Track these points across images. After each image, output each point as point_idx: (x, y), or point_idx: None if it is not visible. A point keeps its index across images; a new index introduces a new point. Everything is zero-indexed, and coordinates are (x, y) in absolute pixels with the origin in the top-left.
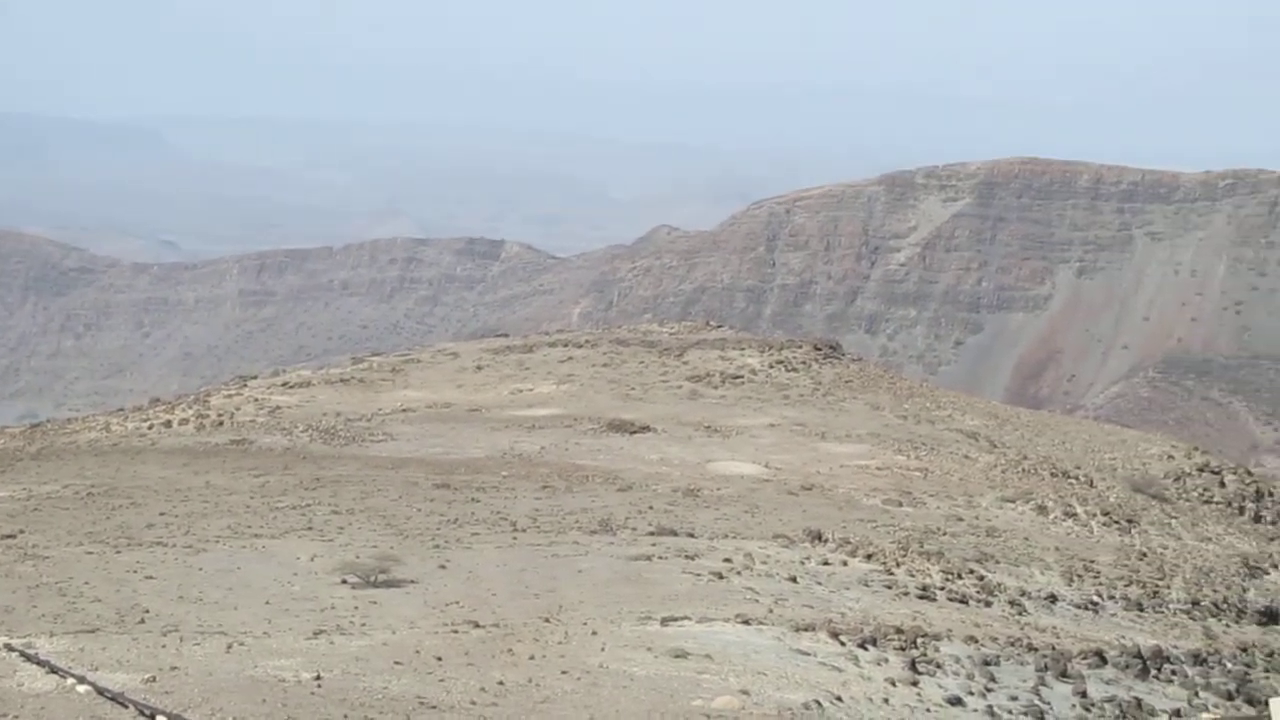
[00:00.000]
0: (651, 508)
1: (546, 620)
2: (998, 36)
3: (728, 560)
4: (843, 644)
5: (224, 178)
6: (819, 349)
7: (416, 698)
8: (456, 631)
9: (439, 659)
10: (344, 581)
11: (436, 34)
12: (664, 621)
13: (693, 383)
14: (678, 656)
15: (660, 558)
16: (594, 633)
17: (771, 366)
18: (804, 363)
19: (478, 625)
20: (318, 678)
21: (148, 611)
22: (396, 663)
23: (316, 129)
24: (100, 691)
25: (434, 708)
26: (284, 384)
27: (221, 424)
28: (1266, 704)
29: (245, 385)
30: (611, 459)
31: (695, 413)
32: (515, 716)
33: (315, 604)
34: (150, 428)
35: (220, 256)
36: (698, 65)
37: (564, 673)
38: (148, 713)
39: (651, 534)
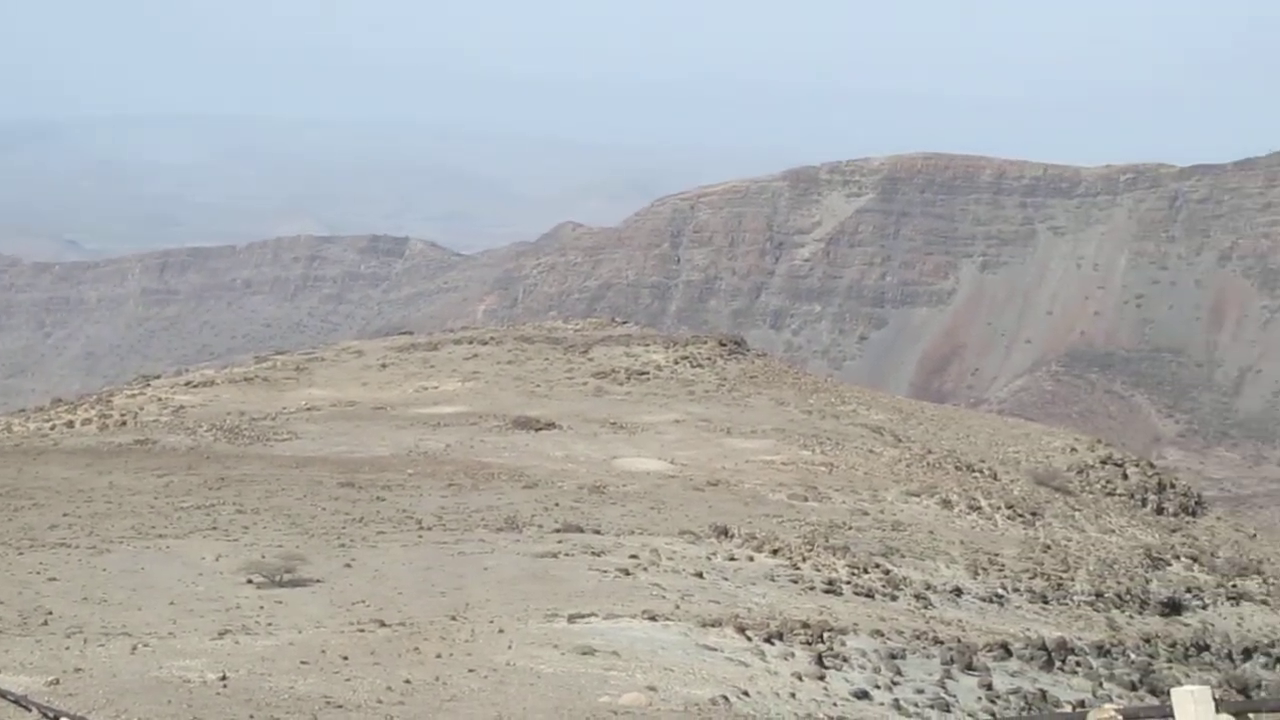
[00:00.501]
0: (557, 505)
1: (453, 618)
2: (902, 33)
3: (634, 557)
4: (749, 639)
5: (126, 176)
6: (724, 345)
7: (323, 697)
8: (363, 630)
9: (345, 658)
10: (249, 581)
11: (339, 29)
12: (571, 619)
13: (598, 379)
14: (585, 653)
15: (566, 555)
16: (501, 630)
17: (677, 363)
18: (709, 359)
19: (384, 624)
20: (223, 678)
21: (51, 613)
22: (303, 662)
23: (218, 125)
24: (3, 694)
25: (340, 707)
26: (187, 383)
27: (124, 424)
28: (1169, 694)
29: (148, 385)
30: (517, 456)
31: (601, 409)
32: (422, 715)
33: (220, 604)
34: (52, 428)
35: (123, 255)
36: (602, 60)
37: (471, 671)
38: (51, 715)
39: (558, 531)
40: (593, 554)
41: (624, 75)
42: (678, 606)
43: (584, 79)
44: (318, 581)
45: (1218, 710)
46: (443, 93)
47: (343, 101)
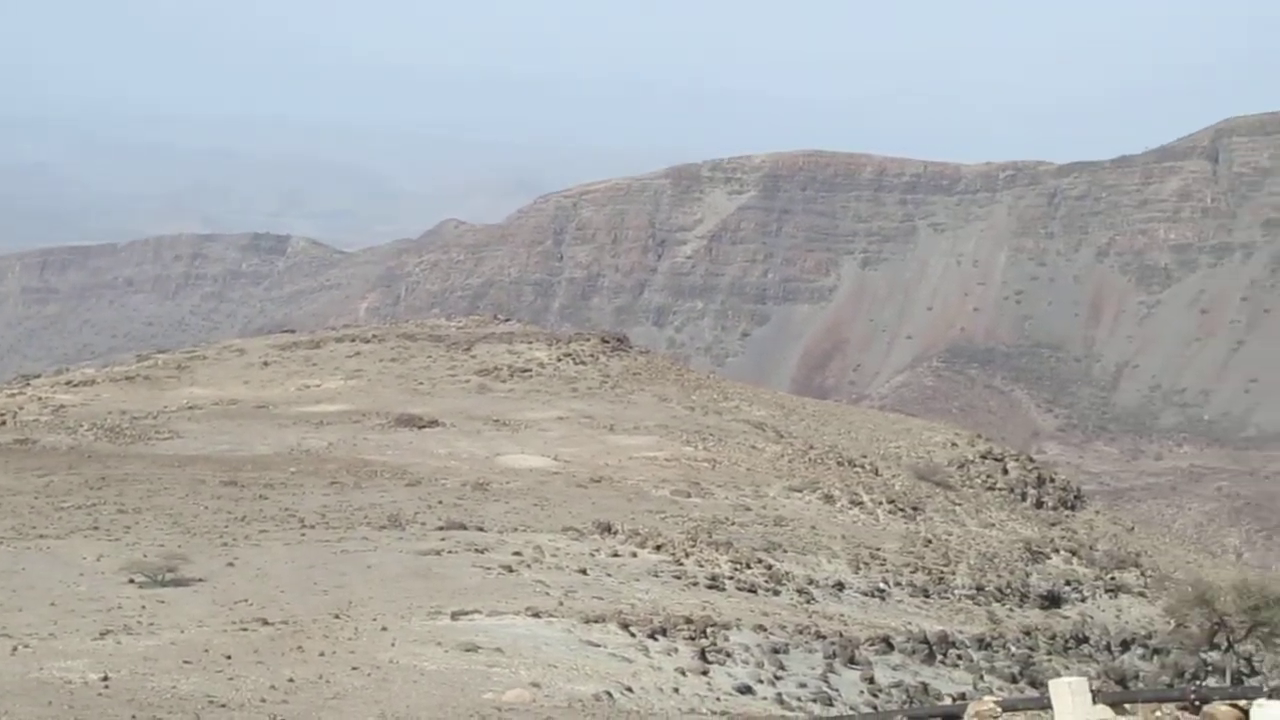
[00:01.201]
0: (441, 502)
1: (336, 617)
2: (783, 33)
3: (518, 553)
4: (633, 635)
5: (4, 175)
6: (607, 342)
7: (206, 696)
8: (246, 629)
9: (228, 657)
10: (131, 581)
11: (223, 22)
12: (454, 616)
13: (481, 377)
14: (468, 650)
15: (450, 552)
16: (384, 628)
17: (560, 360)
18: (592, 355)
19: (267, 623)
20: (105, 679)
21: None
22: (185, 662)
23: (99, 122)
24: None
25: (224, 706)
26: (68, 382)
27: (4, 423)
28: (1048, 685)
29: (28, 384)
30: (400, 454)
31: (484, 407)
32: (306, 714)
33: (102, 604)
34: None
35: (2, 254)
36: (485, 56)
37: (354, 669)
38: None
39: (441, 529)
40: (476, 551)
41: (506, 72)
42: (561, 603)
43: (468, 76)
44: (200, 581)
45: (1095, 701)
46: (324, 88)
47: (223, 98)
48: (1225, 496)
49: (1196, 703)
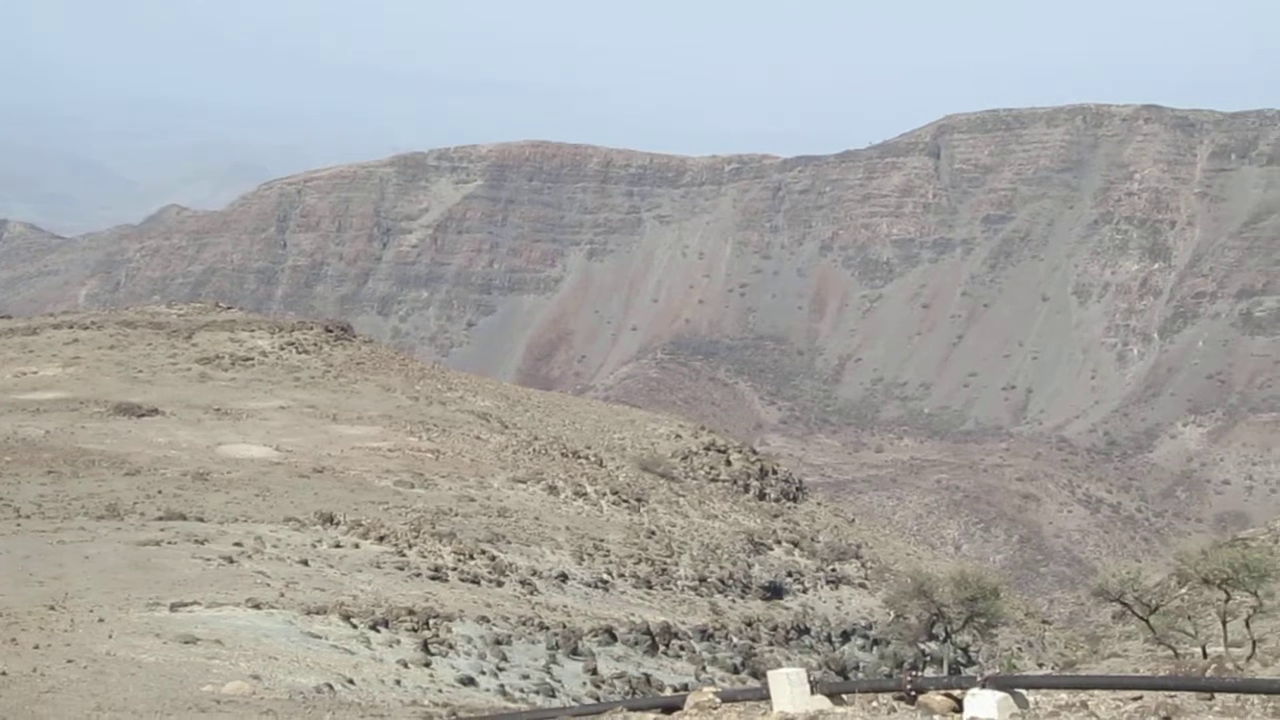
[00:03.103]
0: (160, 492)
1: (52, 608)
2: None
3: (238, 544)
4: (355, 626)
5: None
6: (330, 331)
7: None
8: None
9: None
10: None
11: None
12: (173, 607)
13: (202, 365)
14: (187, 642)
15: (170, 543)
16: (101, 620)
17: (283, 348)
18: (315, 345)
19: None
20: None
21: None
22: None
23: None
24: None
25: None
26: None
27: None
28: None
29: None
30: (119, 443)
31: (205, 395)
32: (19, 707)
33: None
34: None
35: None
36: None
37: (70, 661)
38: None
39: (160, 519)
40: (196, 542)
41: (230, 56)
42: (282, 594)
43: (192, 59)
44: None
45: (812, 692)
46: (42, 72)
47: None
48: (944, 489)
49: (912, 692)
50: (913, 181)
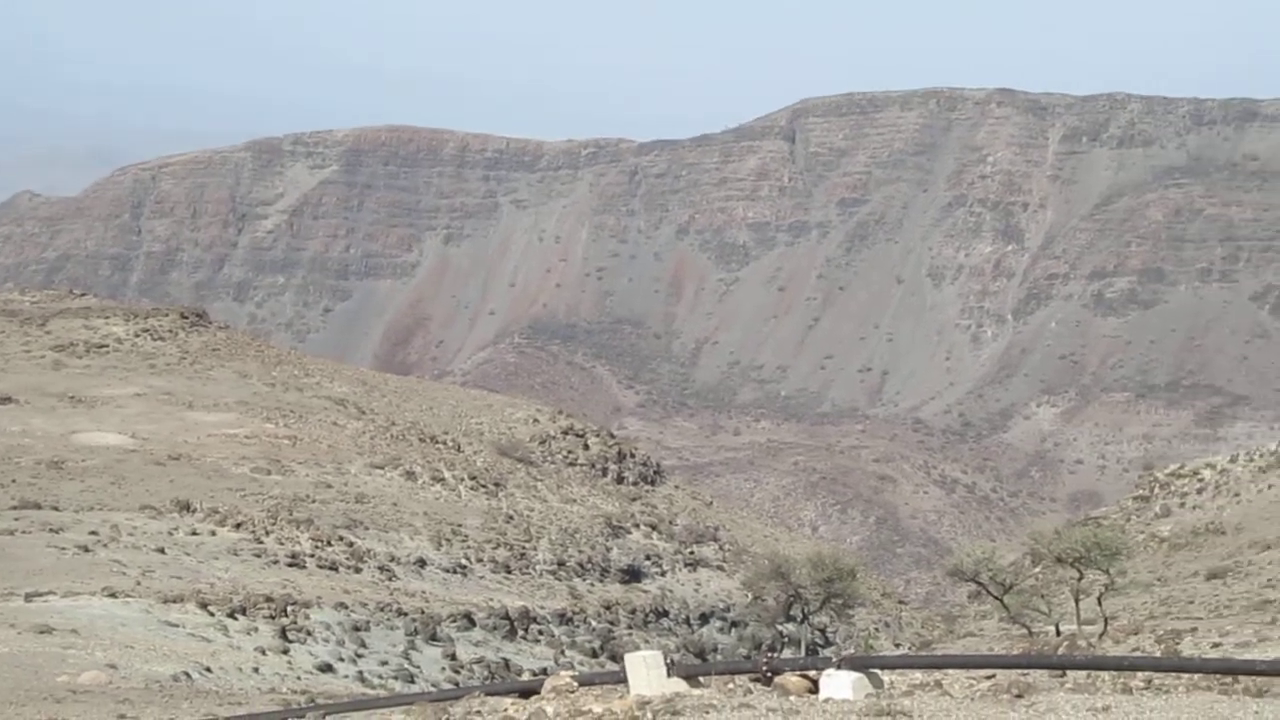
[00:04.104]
0: (14, 481)
1: None
2: (356, 4)
3: (94, 533)
4: (212, 614)
5: None
6: (186, 317)
7: None
8: None
9: None
10: None
11: None
12: (28, 597)
13: (56, 352)
14: (42, 632)
15: (24, 532)
16: None
17: (138, 335)
18: (171, 331)
19: None
20: None
21: None
22: None
23: None
24: None
25: None
26: None
27: None
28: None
29: None
30: None
31: (59, 383)
32: None
33: None
34: None
35: None
36: (58, 23)
37: None
38: None
39: (14, 508)
40: (51, 531)
41: (82, 39)
42: (139, 583)
43: (44, 39)
44: None
45: (669, 674)
46: None
47: None
48: (801, 471)
49: (769, 674)
50: (768, 165)
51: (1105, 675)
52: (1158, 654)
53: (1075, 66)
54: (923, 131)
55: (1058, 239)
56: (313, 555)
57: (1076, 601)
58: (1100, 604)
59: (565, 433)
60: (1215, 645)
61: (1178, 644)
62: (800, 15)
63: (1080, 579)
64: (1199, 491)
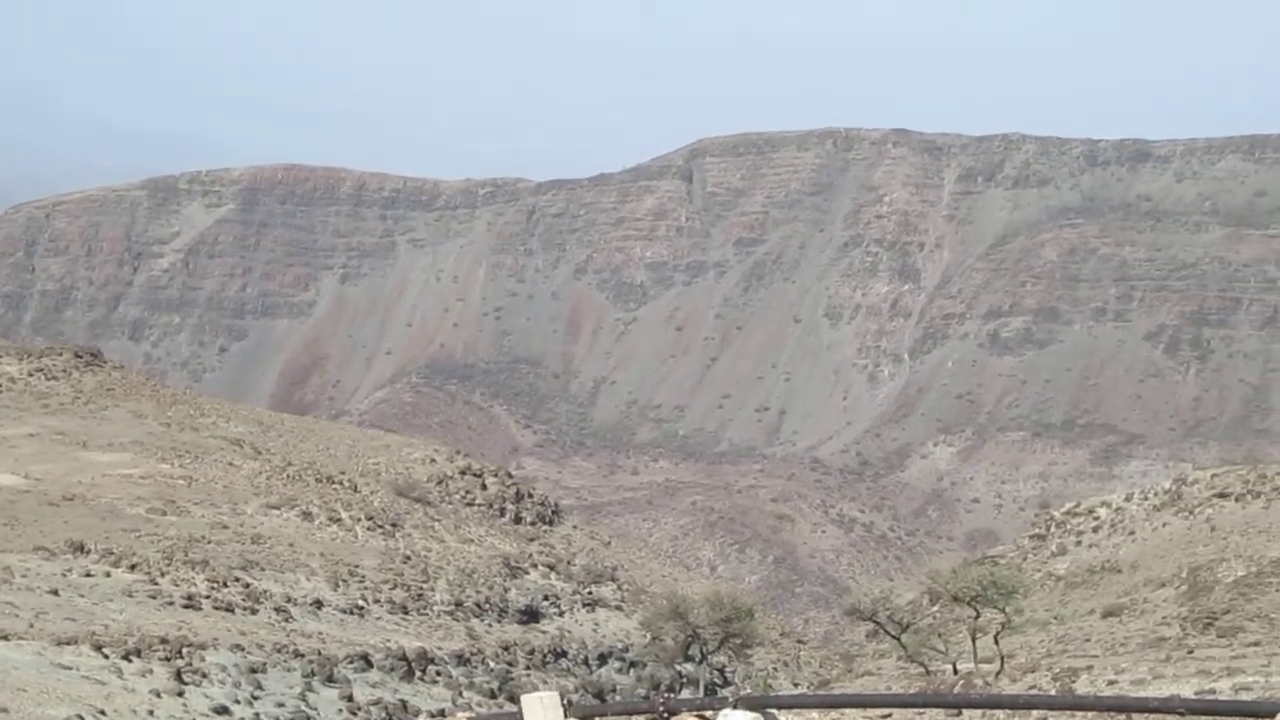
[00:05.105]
0: None
1: None
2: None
3: None
4: (106, 656)
5: None
6: (80, 357)
7: None
8: None
9: None
10: None
11: None
12: None
13: None
14: None
15: None
16: None
17: (31, 375)
18: (65, 371)
19: None
20: None
21: None
22: None
23: None
24: None
25: None
26: None
27: None
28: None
29: None
30: None
31: None
32: None
33: None
34: None
35: None
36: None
37: None
38: None
39: None
40: None
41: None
42: (31, 625)
43: None
44: None
45: (566, 715)
46: None
47: None
48: (699, 510)
49: (665, 714)
50: (666, 205)
51: (1000, 714)
52: (1053, 692)
53: (970, 108)
54: (819, 171)
55: (954, 279)
56: (208, 596)
57: (974, 640)
58: (997, 642)
59: (463, 473)
60: (1111, 683)
61: (1073, 682)
62: (697, 56)
63: (977, 617)
64: (1095, 530)
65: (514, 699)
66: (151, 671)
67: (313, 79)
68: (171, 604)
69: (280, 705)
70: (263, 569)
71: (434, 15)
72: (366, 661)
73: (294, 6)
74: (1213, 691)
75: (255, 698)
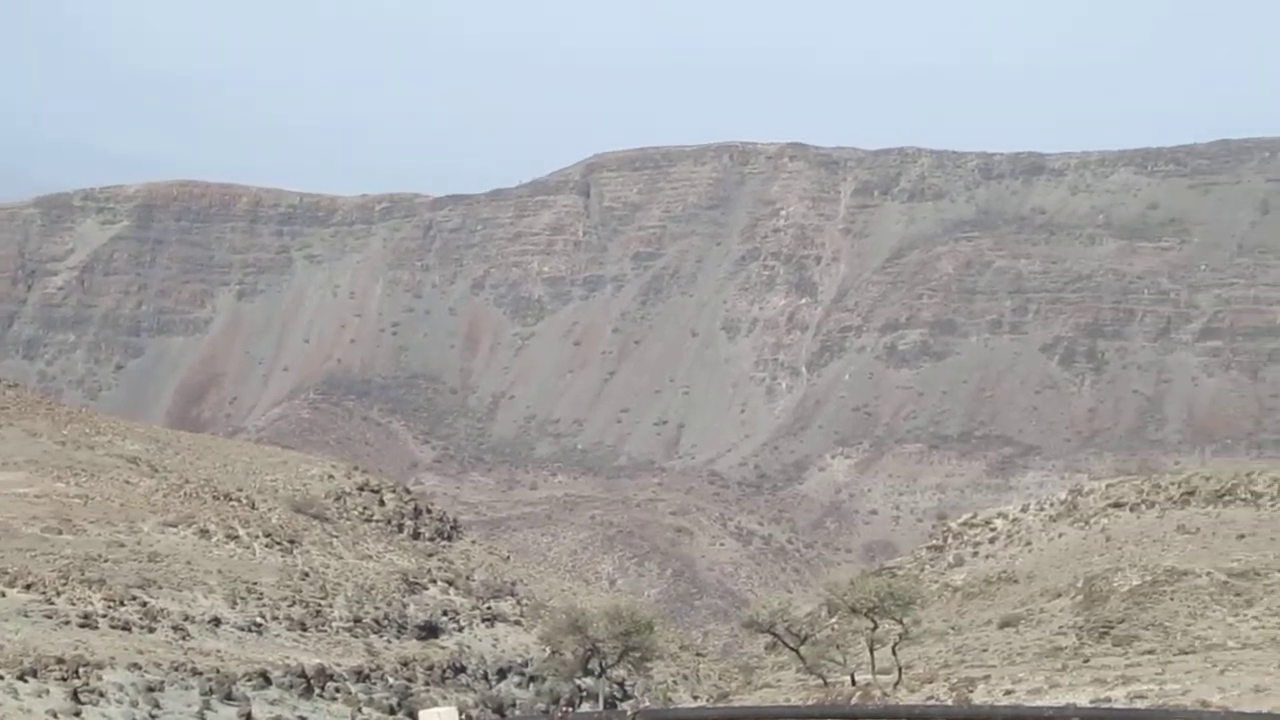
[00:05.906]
0: None
1: None
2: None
3: None
4: (2, 677)
5: None
6: None
7: None
8: None
9: None
10: None
11: None
12: None
13: None
14: None
15: None
16: None
17: None
18: None
19: None
20: None
21: None
22: None
23: None
24: None
25: None
26: None
27: None
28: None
29: None
30: None
31: None
32: None
33: None
34: None
35: None
36: None
37: None
38: None
39: None
40: None
41: None
42: None
43: None
44: None
45: None
46: None
47: None
48: (599, 524)
49: None
50: (563, 220)
51: None
52: (950, 702)
53: (866, 121)
54: (716, 186)
55: (850, 292)
56: (105, 615)
57: (872, 651)
58: (895, 653)
59: (361, 489)
60: (1008, 692)
61: (971, 692)
62: (593, 70)
63: (875, 629)
64: (991, 541)
65: (413, 715)
66: (48, 692)
67: (211, 91)
68: (68, 623)
69: None
70: (160, 587)
71: (329, 30)
72: (265, 679)
73: (181, 15)
74: (1108, 700)
75: (153, 716)
